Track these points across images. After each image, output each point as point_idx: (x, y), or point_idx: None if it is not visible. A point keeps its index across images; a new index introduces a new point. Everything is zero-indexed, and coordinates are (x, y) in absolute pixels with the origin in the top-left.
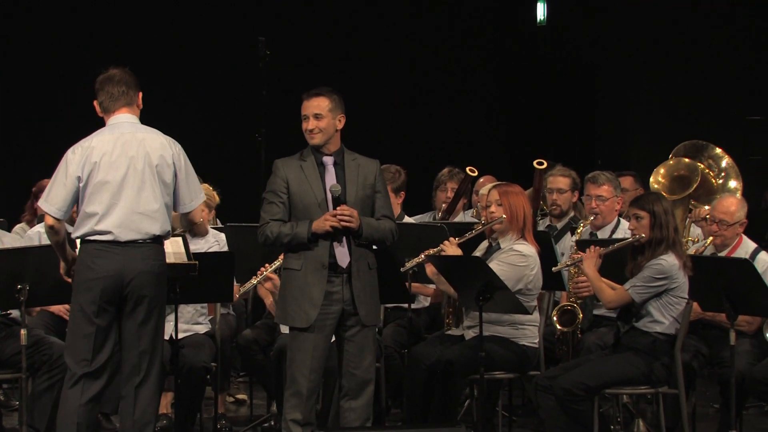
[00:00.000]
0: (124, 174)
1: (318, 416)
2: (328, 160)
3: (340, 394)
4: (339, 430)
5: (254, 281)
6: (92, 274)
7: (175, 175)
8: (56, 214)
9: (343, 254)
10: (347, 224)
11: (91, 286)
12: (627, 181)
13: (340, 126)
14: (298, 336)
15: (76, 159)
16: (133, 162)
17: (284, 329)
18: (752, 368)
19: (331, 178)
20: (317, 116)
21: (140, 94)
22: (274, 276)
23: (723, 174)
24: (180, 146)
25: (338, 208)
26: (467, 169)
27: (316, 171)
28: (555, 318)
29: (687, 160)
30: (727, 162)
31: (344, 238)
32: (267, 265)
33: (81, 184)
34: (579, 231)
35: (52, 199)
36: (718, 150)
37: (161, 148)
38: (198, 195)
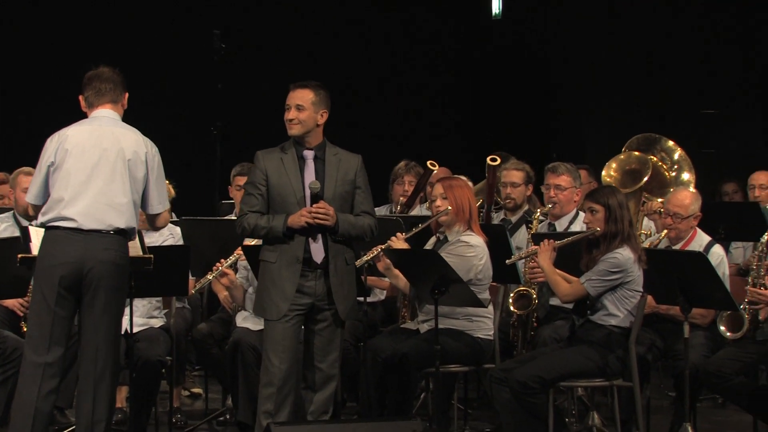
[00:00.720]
0: (94, 163)
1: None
2: (309, 154)
3: (302, 386)
4: (293, 424)
5: (210, 277)
6: (53, 260)
7: (147, 175)
8: (31, 200)
9: (317, 250)
10: (322, 222)
11: (51, 272)
12: (581, 175)
13: (321, 121)
14: (269, 326)
15: (51, 146)
16: (106, 153)
17: (239, 323)
18: (706, 361)
19: (310, 172)
20: (299, 107)
21: (126, 95)
22: (230, 271)
23: (676, 167)
24: (157, 149)
25: (314, 205)
26: (428, 162)
27: (296, 164)
28: (511, 301)
29: (638, 153)
30: (679, 154)
31: (319, 235)
32: (223, 260)
33: (52, 170)
34: (535, 220)
35: (31, 186)
36: (671, 143)
37: (136, 145)
38: (165, 201)
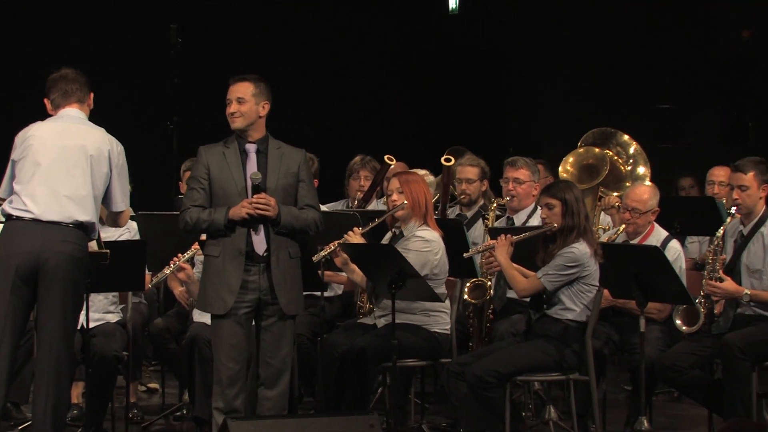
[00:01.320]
0: (56, 157)
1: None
2: (251, 148)
3: (256, 383)
4: (250, 419)
5: (167, 271)
6: (9, 249)
7: (111, 172)
8: (1, 194)
9: (259, 242)
10: (263, 212)
11: (8, 262)
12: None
13: (263, 113)
14: (217, 324)
15: (17, 141)
16: (68, 148)
17: (196, 318)
18: (662, 354)
19: (252, 165)
20: (240, 100)
21: (91, 95)
22: (187, 266)
23: (631, 161)
24: (122, 149)
25: (255, 195)
26: (385, 157)
27: (239, 158)
28: (466, 291)
29: (597, 150)
30: (635, 149)
31: (261, 226)
32: (180, 254)
33: (17, 163)
34: (491, 213)
35: (3, 181)
36: (626, 137)
37: (101, 143)
38: (127, 200)
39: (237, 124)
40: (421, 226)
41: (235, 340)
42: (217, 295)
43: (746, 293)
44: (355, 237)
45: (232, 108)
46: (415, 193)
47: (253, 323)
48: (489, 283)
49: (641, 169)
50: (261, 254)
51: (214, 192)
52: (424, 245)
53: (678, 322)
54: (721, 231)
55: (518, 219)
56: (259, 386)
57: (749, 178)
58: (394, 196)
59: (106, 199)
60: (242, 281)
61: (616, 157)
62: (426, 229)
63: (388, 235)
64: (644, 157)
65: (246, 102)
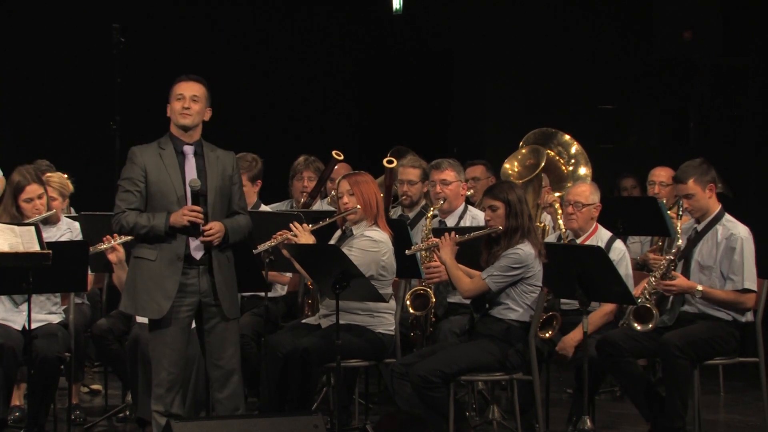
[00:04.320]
0: None
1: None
2: (189, 150)
3: (208, 385)
4: (193, 420)
5: (100, 247)
6: None
7: None
8: None
9: (197, 247)
10: (211, 240)
11: None
12: (478, 170)
13: (206, 117)
14: (155, 328)
15: None
16: None
17: (139, 319)
18: (605, 334)
19: (191, 167)
20: (194, 99)
21: None
22: (120, 248)
23: (573, 161)
24: None
25: (191, 207)
26: (333, 153)
27: (176, 160)
28: (408, 302)
29: (533, 146)
30: (576, 149)
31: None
32: (117, 235)
33: None
34: (428, 219)
35: None
36: (567, 137)
37: None
38: None
39: (188, 121)
40: (372, 226)
41: (177, 344)
42: (151, 299)
43: (699, 289)
44: (304, 234)
45: (186, 104)
46: (366, 195)
47: (194, 326)
48: (431, 292)
49: (583, 170)
50: (198, 259)
51: (150, 194)
52: (371, 245)
53: (634, 324)
54: (679, 228)
55: (450, 221)
56: (211, 389)
57: (690, 185)
58: (345, 198)
59: None
60: (180, 284)
61: (557, 158)
62: (375, 230)
63: (337, 233)
64: (585, 157)
65: (198, 102)
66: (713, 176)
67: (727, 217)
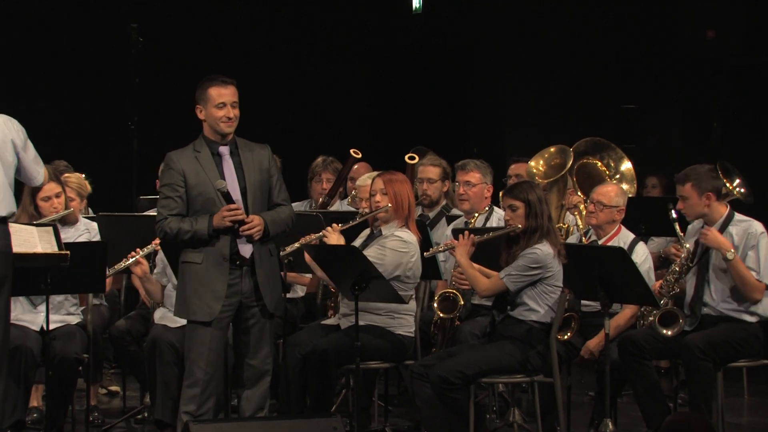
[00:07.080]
0: None
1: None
2: (224, 150)
3: (227, 387)
4: (211, 422)
5: (124, 264)
6: None
7: (17, 155)
8: None
9: (246, 247)
10: (251, 234)
11: None
12: (521, 168)
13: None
14: (198, 329)
15: None
16: None
17: (157, 320)
18: (629, 332)
19: (229, 167)
20: (235, 105)
21: None
22: (144, 261)
23: (618, 176)
24: (17, 122)
25: (227, 207)
26: (351, 151)
27: (212, 162)
28: (436, 304)
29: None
30: (626, 168)
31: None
32: (138, 249)
33: None
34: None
35: None
36: (621, 152)
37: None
38: (41, 167)
39: (232, 129)
40: (401, 228)
41: (215, 345)
42: (201, 302)
43: (731, 251)
44: (334, 234)
45: (230, 114)
46: (398, 195)
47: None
48: (460, 297)
49: (625, 186)
50: (247, 257)
51: (191, 198)
52: (401, 246)
53: (660, 327)
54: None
55: (477, 223)
56: (241, 387)
57: (687, 189)
58: (378, 197)
59: (23, 177)
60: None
61: (604, 169)
62: (405, 231)
63: (366, 232)
64: (633, 176)
65: (237, 106)
66: (716, 185)
67: (738, 217)
